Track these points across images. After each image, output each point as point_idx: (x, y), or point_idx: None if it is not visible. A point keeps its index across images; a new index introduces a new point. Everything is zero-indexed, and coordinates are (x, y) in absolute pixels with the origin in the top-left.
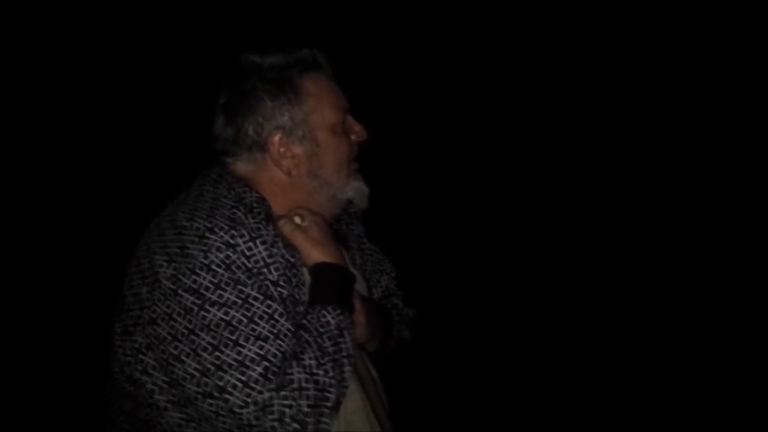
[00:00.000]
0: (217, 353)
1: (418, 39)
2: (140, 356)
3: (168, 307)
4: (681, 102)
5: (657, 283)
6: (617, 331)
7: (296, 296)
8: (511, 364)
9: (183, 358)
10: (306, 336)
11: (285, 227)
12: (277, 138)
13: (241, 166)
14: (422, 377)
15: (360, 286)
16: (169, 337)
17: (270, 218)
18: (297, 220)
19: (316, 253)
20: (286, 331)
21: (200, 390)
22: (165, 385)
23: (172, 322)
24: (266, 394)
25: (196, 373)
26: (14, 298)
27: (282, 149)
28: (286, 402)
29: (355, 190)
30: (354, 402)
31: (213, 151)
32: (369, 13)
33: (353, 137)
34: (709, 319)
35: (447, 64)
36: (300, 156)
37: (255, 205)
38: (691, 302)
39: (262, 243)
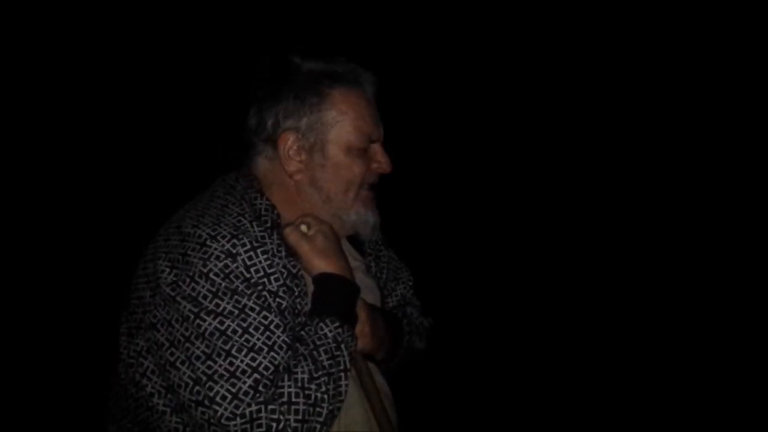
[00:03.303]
0: (209, 362)
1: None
2: (141, 359)
3: (167, 313)
4: (681, 102)
5: (680, 298)
6: (644, 350)
7: (298, 307)
8: (527, 376)
9: (178, 365)
10: (302, 349)
11: (290, 236)
12: (289, 138)
13: (260, 163)
14: (435, 387)
15: (373, 295)
16: (167, 343)
17: (277, 226)
18: (303, 228)
19: (319, 263)
20: (282, 344)
21: (192, 398)
22: (163, 390)
23: (170, 329)
24: (254, 407)
25: (190, 381)
26: (26, 299)
27: (291, 151)
28: (273, 416)
29: (359, 215)
30: (358, 414)
31: (242, 143)
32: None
33: (375, 165)
34: (708, 319)
35: (466, 81)
36: (305, 162)
37: (263, 212)
38: (692, 302)
39: (264, 253)
